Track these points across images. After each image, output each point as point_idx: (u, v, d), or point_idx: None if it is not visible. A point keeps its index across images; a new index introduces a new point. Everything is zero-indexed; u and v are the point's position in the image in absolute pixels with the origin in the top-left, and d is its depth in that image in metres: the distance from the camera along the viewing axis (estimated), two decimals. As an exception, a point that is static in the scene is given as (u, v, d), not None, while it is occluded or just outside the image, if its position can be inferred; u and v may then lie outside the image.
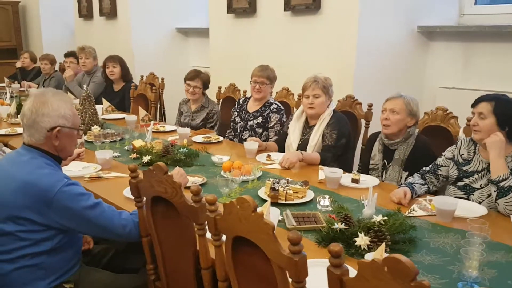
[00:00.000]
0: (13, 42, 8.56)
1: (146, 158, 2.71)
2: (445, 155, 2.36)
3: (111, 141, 3.21)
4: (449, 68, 3.99)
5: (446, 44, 4.02)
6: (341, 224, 1.72)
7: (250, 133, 3.50)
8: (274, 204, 2.09)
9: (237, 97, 4.19)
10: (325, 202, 2.05)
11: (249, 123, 3.51)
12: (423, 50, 4.08)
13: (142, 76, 5.37)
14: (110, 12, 6.40)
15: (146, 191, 1.71)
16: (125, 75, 4.81)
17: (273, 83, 3.53)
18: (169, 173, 2.29)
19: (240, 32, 4.74)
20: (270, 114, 3.44)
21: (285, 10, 4.18)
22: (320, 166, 2.71)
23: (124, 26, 6.22)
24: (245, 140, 3.48)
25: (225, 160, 2.75)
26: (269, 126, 3.43)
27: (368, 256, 1.51)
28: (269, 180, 2.21)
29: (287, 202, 2.11)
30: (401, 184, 2.55)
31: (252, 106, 3.56)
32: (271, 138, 3.41)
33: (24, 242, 1.71)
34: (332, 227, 1.71)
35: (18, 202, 1.69)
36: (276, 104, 3.49)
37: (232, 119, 3.66)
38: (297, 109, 3.75)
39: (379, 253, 1.39)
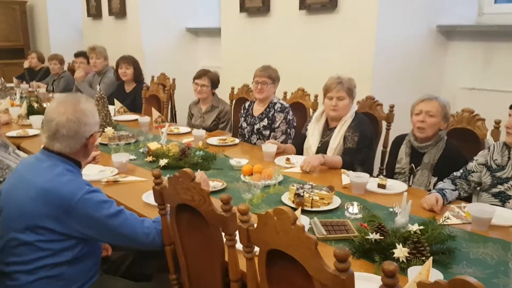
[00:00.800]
0: (21, 42, 8.51)
1: (163, 162, 2.63)
2: (476, 160, 2.26)
3: (125, 144, 3.13)
4: (468, 69, 3.89)
5: (466, 44, 3.92)
6: (375, 234, 1.63)
7: (258, 136, 3.43)
8: (302, 211, 2.00)
9: (250, 97, 4.10)
10: (354, 209, 1.96)
11: (255, 126, 3.43)
12: (442, 50, 3.99)
13: (153, 77, 5.30)
14: (120, 12, 6.33)
15: (171, 199, 1.63)
16: (138, 76, 4.73)
17: (275, 83, 3.44)
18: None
19: (253, 31, 4.66)
20: (275, 114, 3.36)
21: (300, 9, 4.09)
22: (342, 170, 2.63)
23: (134, 26, 6.15)
24: (255, 144, 3.41)
25: (243, 163, 2.66)
26: (275, 126, 3.35)
27: (412, 271, 1.41)
28: (293, 186, 2.13)
29: (313, 209, 2.02)
30: (430, 189, 2.47)
31: (257, 109, 3.49)
32: (278, 138, 3.32)
33: (43, 253, 1.64)
34: (366, 237, 1.62)
35: (37, 210, 1.62)
36: (279, 103, 3.42)
37: (239, 125, 3.59)
38: (313, 110, 3.69)
39: (426, 269, 1.30)
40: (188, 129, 3.64)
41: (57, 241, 1.63)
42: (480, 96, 3.80)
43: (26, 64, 6.71)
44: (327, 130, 2.99)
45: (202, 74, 3.74)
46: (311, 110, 3.72)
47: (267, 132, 3.37)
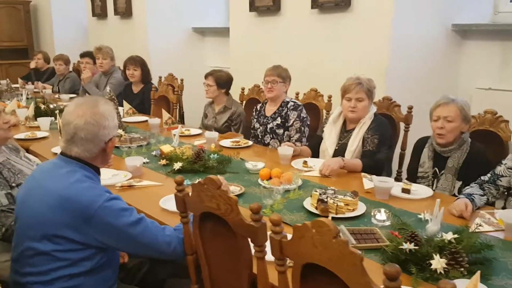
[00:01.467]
0: (25, 42, 8.45)
1: (177, 165, 2.56)
2: (505, 164, 2.18)
3: (138, 146, 3.06)
4: (485, 68, 3.80)
5: (481, 43, 3.84)
6: (409, 243, 1.55)
7: (271, 136, 3.35)
8: (323, 218, 1.93)
9: (261, 98, 4.02)
10: (381, 216, 1.88)
11: (269, 126, 3.36)
12: (457, 49, 3.91)
13: (160, 77, 5.23)
14: (126, 12, 6.26)
15: (195, 206, 1.55)
16: (145, 77, 4.66)
17: (286, 82, 3.37)
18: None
19: (263, 31, 4.58)
20: (288, 112, 3.29)
21: (312, 7, 4.01)
22: (363, 174, 2.54)
23: (140, 26, 6.07)
24: (268, 145, 3.33)
25: (260, 166, 2.58)
26: (289, 124, 3.28)
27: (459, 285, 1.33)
28: (316, 191, 2.05)
29: (338, 215, 1.94)
30: (454, 194, 2.39)
31: (269, 110, 3.42)
32: (293, 136, 3.25)
33: (61, 263, 1.56)
34: (400, 247, 1.54)
35: (55, 219, 1.54)
36: (292, 101, 3.35)
37: (252, 126, 3.51)
38: (327, 111, 3.61)
39: (473, 283, 1.22)
40: (199, 131, 3.57)
41: (75, 250, 1.56)
42: (497, 96, 3.71)
43: (32, 65, 6.64)
44: (345, 132, 2.90)
45: (207, 74, 3.72)
46: (324, 111, 3.64)
47: (281, 131, 3.30)
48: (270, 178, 2.39)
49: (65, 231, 1.53)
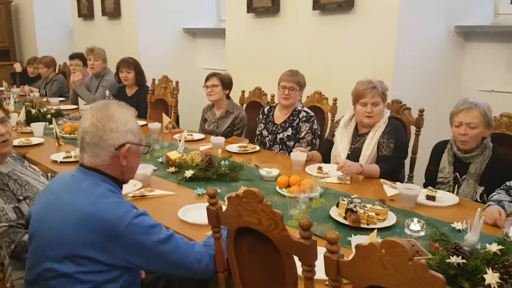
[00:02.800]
0: (6, 44, 8.17)
1: (188, 173, 2.44)
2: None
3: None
4: (488, 71, 3.77)
5: (485, 45, 3.81)
6: (457, 257, 1.46)
7: (280, 147, 3.24)
8: (355, 229, 1.84)
9: (263, 101, 3.92)
10: (415, 226, 1.80)
11: (278, 136, 3.24)
12: (460, 51, 3.87)
13: (154, 80, 5.07)
14: (114, 12, 6.08)
15: (230, 221, 1.44)
16: (140, 80, 4.51)
17: (302, 90, 3.27)
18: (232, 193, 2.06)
19: (261, 33, 4.47)
20: (300, 124, 3.18)
21: (313, 9, 3.93)
22: (382, 180, 2.46)
23: (129, 27, 5.91)
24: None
25: (274, 173, 2.48)
26: (300, 137, 3.17)
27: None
28: (343, 200, 1.95)
29: (370, 226, 1.85)
30: (476, 200, 2.34)
31: (279, 117, 3.30)
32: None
33: (84, 285, 1.42)
34: (448, 261, 1.46)
35: (78, 238, 1.41)
36: (304, 111, 3.23)
37: (258, 131, 3.39)
38: (332, 115, 3.53)
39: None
40: (202, 136, 3.45)
41: (100, 272, 1.43)
42: (500, 98, 3.68)
43: (18, 68, 6.40)
44: (357, 136, 2.82)
45: (211, 74, 3.58)
46: (329, 114, 3.56)
47: (291, 143, 3.19)
48: (289, 185, 2.29)
49: (89, 251, 1.41)
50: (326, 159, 2.95)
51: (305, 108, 3.29)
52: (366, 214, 1.85)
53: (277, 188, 2.30)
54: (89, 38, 6.58)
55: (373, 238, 1.33)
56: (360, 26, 3.69)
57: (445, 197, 2.20)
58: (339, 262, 1.14)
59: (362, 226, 1.84)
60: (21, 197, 1.86)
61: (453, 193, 2.40)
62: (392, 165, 2.61)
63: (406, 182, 2.97)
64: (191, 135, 3.40)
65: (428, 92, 3.73)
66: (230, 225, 1.45)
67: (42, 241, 1.48)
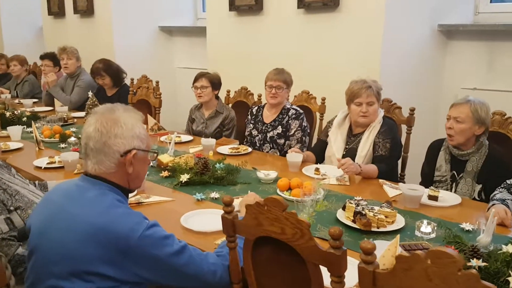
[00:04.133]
0: (-32, 43, 7.80)
1: (184, 177, 2.35)
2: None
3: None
4: (469, 69, 3.81)
5: (466, 43, 3.85)
6: (477, 260, 1.44)
7: (271, 145, 3.19)
8: (365, 232, 1.80)
9: (250, 101, 3.86)
10: (426, 228, 1.77)
11: (268, 135, 3.19)
12: (443, 49, 3.90)
13: (132, 79, 4.94)
14: (87, 10, 5.88)
15: (249, 230, 1.37)
16: (116, 81, 4.36)
17: (289, 88, 3.23)
18: (240, 198, 1.99)
19: (244, 31, 4.38)
20: (290, 121, 3.14)
21: (298, 7, 3.88)
22: (381, 180, 2.44)
23: (104, 25, 5.72)
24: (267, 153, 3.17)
25: (273, 176, 2.42)
26: (290, 134, 3.13)
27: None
28: (351, 203, 1.91)
29: (380, 229, 1.81)
30: (474, 198, 2.34)
31: (268, 116, 3.25)
32: (293, 146, 3.11)
33: (92, 303, 1.33)
34: (469, 264, 1.43)
35: (86, 252, 1.31)
36: (293, 109, 3.20)
37: (248, 132, 3.32)
38: (320, 114, 3.49)
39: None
40: (190, 137, 3.35)
41: (110, 288, 1.33)
42: (482, 96, 3.71)
43: None
44: (351, 136, 2.79)
45: (199, 76, 3.48)
46: (318, 114, 3.53)
47: (282, 141, 3.14)
48: (290, 188, 2.24)
49: (98, 266, 1.31)
50: (320, 159, 2.91)
51: (294, 106, 3.25)
52: (376, 217, 1.81)
53: (278, 191, 2.24)
54: (60, 37, 6.35)
55: (396, 244, 1.29)
56: (345, 25, 3.67)
57: (447, 197, 2.19)
58: (376, 273, 1.09)
59: (373, 229, 1.80)
60: (12, 208, 1.74)
61: (451, 191, 2.40)
62: (389, 165, 2.59)
63: (399, 182, 2.96)
64: (179, 137, 3.29)
65: (412, 90, 3.74)
66: (248, 234, 1.38)
67: (46, 256, 1.38)
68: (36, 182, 2.21)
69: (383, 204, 1.92)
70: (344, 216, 1.91)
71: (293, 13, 3.95)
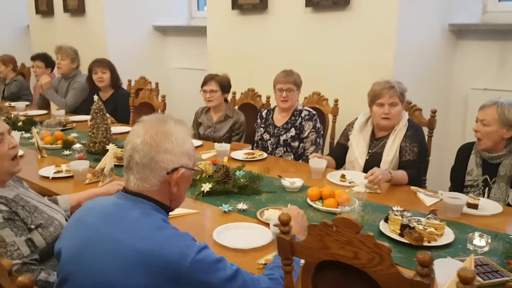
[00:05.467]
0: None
1: (206, 187, 2.19)
2: None
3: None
4: (480, 69, 3.74)
5: (476, 43, 3.78)
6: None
7: (285, 149, 3.06)
8: (415, 247, 1.67)
9: (257, 103, 3.71)
10: (480, 241, 1.65)
11: (281, 138, 3.06)
12: (453, 49, 3.82)
13: (129, 81, 4.75)
14: (78, 8, 5.66)
15: (311, 253, 1.23)
16: (115, 81, 4.17)
17: (300, 89, 3.10)
18: (270, 210, 1.84)
19: (248, 31, 4.23)
20: (303, 123, 3.02)
21: (306, 6, 3.75)
22: (414, 187, 2.32)
23: (96, 24, 5.52)
24: (281, 158, 3.04)
25: (298, 184, 2.28)
26: (304, 136, 3.01)
27: None
28: (396, 214, 1.79)
29: (431, 244, 1.69)
30: (508, 203, 2.24)
31: (279, 119, 3.12)
32: (308, 149, 2.99)
33: None
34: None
35: (131, 282, 1.15)
36: (306, 110, 3.08)
37: (258, 136, 3.18)
38: (333, 116, 3.38)
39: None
40: (199, 142, 3.19)
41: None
42: (493, 96, 3.65)
43: None
44: (374, 140, 2.68)
45: (208, 79, 3.31)
46: (330, 116, 3.41)
47: (296, 144, 3.01)
48: (321, 198, 2.10)
49: (145, 295, 1.16)
50: (340, 164, 2.80)
51: (306, 108, 3.13)
52: (426, 230, 1.69)
53: (308, 201, 2.11)
54: (49, 37, 6.13)
55: (471, 264, 1.17)
56: (356, 24, 3.55)
57: (485, 205, 2.08)
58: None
59: (425, 244, 1.68)
60: (32, 226, 1.57)
61: (483, 196, 2.31)
62: (418, 170, 2.49)
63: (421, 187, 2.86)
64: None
65: (423, 91, 3.65)
66: (310, 257, 1.24)
67: (82, 285, 1.22)
68: (45, 197, 2.02)
69: (429, 216, 1.80)
70: (388, 229, 1.79)
71: (301, 12, 3.82)
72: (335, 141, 3.39)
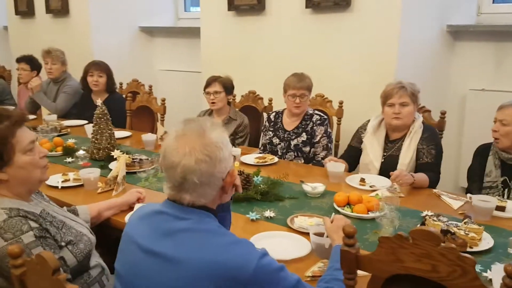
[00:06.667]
0: None
1: (229, 195, 2.11)
2: None
3: (153, 170, 2.54)
4: (477, 69, 3.77)
5: (473, 44, 3.81)
6: None
7: (295, 153, 3.00)
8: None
9: (259, 106, 3.65)
10: (523, 245, 1.63)
11: (292, 142, 3.00)
12: (450, 50, 3.84)
13: (121, 84, 4.61)
14: (61, 9, 5.47)
15: (380, 266, 1.17)
16: (111, 85, 4.03)
17: (311, 93, 3.05)
18: (299, 217, 1.79)
19: (244, 33, 4.15)
20: (314, 127, 2.97)
21: (306, 7, 3.70)
22: (436, 190, 2.29)
23: (81, 25, 5.34)
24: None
25: (320, 189, 2.23)
26: (315, 141, 2.96)
27: None
28: (435, 220, 1.75)
29: (473, 249, 1.66)
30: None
31: (289, 123, 3.05)
32: (319, 154, 2.95)
33: None
34: None
35: None
36: (317, 114, 3.03)
37: (267, 140, 3.10)
38: (338, 118, 3.34)
39: None
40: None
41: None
42: (491, 97, 3.70)
43: None
44: (388, 142, 2.65)
45: (211, 80, 3.23)
46: (335, 118, 3.37)
47: (307, 148, 2.95)
48: (348, 203, 2.05)
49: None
50: (352, 167, 2.76)
51: (316, 111, 3.08)
52: (468, 236, 1.66)
53: (335, 206, 2.05)
54: (29, 39, 5.93)
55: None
56: (358, 26, 3.53)
57: (511, 207, 2.06)
58: None
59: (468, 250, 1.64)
60: (62, 243, 1.46)
61: (503, 197, 2.30)
62: (437, 172, 2.47)
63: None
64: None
65: (422, 92, 3.61)
66: (378, 271, 1.18)
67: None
68: (64, 207, 1.91)
69: (466, 220, 1.77)
70: (426, 235, 1.74)
71: (300, 13, 3.77)
72: (340, 143, 3.37)
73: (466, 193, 2.36)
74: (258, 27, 4.06)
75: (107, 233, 1.98)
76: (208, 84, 3.20)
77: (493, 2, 3.90)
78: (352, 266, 1.22)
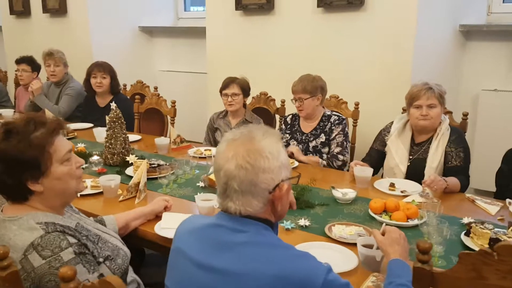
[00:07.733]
0: None
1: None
2: None
3: (173, 175, 2.43)
4: (489, 70, 3.73)
5: (485, 44, 3.77)
6: None
7: (315, 155, 2.92)
8: None
9: (271, 108, 3.56)
10: None
11: (311, 144, 2.93)
12: (462, 50, 3.80)
13: (125, 85, 4.49)
14: (59, 9, 5.33)
15: (459, 284, 1.09)
16: (115, 87, 3.91)
17: (316, 95, 2.90)
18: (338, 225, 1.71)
19: (252, 33, 4.06)
20: (332, 127, 2.91)
21: (318, 6, 3.62)
22: (469, 195, 2.22)
23: (79, 25, 5.21)
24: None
25: (351, 195, 2.15)
26: (330, 138, 2.90)
27: None
28: (483, 227, 1.68)
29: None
30: None
31: (306, 126, 2.99)
32: (333, 150, 2.88)
33: None
34: None
35: None
36: (335, 115, 2.97)
37: (284, 143, 3.03)
38: (354, 120, 3.27)
39: None
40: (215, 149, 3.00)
41: None
42: (503, 97, 3.66)
43: None
44: (414, 145, 2.58)
45: (229, 82, 3.13)
46: (351, 120, 3.30)
47: (326, 149, 2.89)
48: (384, 211, 1.98)
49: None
50: (375, 171, 2.68)
51: (335, 112, 3.01)
52: (519, 244, 1.59)
53: (371, 213, 1.97)
54: (25, 39, 5.79)
55: None
56: (371, 25, 3.46)
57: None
58: None
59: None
60: (100, 259, 1.36)
61: (535, 203, 2.24)
62: (466, 176, 2.40)
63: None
64: (209, 150, 2.94)
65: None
66: (456, 288, 1.11)
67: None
68: (91, 218, 1.81)
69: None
70: (475, 244, 1.68)
71: (312, 13, 3.70)
72: (356, 145, 3.29)
73: (494, 197, 2.31)
74: (267, 27, 3.97)
75: (130, 243, 1.88)
76: (226, 85, 3.11)
77: (503, 2, 3.86)
78: (426, 284, 1.14)
